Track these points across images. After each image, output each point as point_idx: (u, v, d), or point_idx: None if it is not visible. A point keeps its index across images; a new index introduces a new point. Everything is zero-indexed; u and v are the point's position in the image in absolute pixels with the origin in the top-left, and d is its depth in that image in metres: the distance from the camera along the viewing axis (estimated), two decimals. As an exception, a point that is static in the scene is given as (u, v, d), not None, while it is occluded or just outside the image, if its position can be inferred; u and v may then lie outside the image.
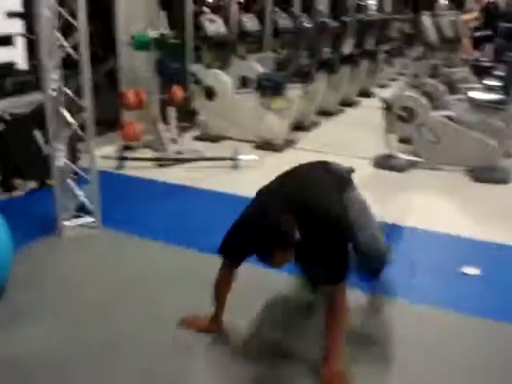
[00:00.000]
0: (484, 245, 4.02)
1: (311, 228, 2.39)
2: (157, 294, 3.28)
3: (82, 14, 3.57)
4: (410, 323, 3.05)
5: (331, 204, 2.50)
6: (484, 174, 5.41)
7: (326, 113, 7.85)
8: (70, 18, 3.61)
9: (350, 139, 6.68)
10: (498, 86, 5.89)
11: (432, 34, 5.96)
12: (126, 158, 5.50)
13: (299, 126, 6.94)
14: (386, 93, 8.00)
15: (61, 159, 3.90)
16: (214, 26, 6.58)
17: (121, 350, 2.79)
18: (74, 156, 4.48)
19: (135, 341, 2.85)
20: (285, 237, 2.31)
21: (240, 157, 5.56)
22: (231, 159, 5.58)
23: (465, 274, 3.53)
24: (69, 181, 4.01)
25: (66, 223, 3.98)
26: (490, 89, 6.06)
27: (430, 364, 2.72)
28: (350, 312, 2.60)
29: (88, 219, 4.08)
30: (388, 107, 5.75)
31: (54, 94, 3.74)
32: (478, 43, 9.45)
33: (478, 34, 9.34)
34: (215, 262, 3.40)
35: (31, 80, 5.31)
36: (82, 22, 3.58)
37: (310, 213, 2.41)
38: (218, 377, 2.65)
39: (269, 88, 6.33)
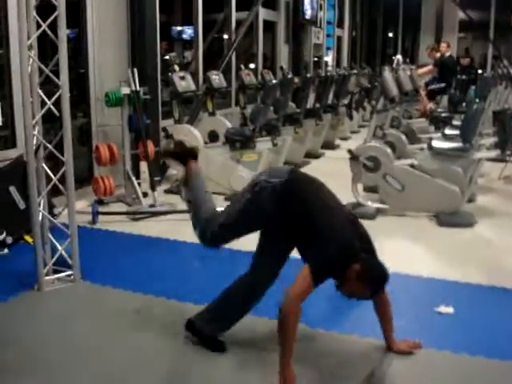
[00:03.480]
0: (454, 285, 4.19)
1: None
2: (138, 345, 3.31)
3: (65, 70, 3.69)
4: (395, 362, 3.17)
5: None
6: (448, 219, 5.63)
7: (293, 165, 8.06)
8: (52, 75, 3.73)
9: (318, 189, 6.85)
10: (456, 135, 6.19)
11: (393, 88, 6.26)
12: (99, 213, 5.55)
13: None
14: (349, 144, 8.30)
15: (40, 214, 3.94)
16: (184, 82, 6.78)
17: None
18: (50, 211, 4.52)
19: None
20: None
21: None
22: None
23: (440, 313, 3.68)
24: (49, 235, 4.05)
25: (45, 278, 3.99)
26: (449, 138, 6.36)
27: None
28: None
29: (67, 273, 4.09)
30: (354, 157, 5.97)
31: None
32: (433, 95, 9.91)
33: (433, 86, 9.79)
34: (196, 310, 3.48)
35: (4, 136, 5.39)
36: (64, 79, 3.70)
37: None
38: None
39: (238, 142, 6.51)
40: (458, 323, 3.58)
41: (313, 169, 8.32)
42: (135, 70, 5.96)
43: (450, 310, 3.69)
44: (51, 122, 5.00)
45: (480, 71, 12.70)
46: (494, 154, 6.21)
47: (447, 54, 10.76)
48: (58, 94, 3.79)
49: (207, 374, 3.03)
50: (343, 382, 3.00)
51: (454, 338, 3.39)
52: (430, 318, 3.64)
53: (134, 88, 5.88)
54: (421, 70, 10.01)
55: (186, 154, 3.34)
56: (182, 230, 5.37)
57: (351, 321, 3.65)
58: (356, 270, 2.76)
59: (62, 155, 3.92)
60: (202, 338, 3.25)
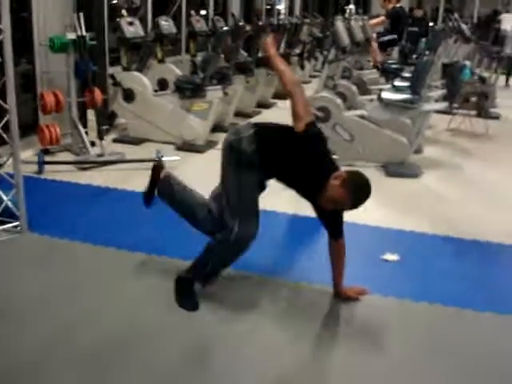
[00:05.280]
0: (400, 233, 4.31)
1: None
2: (88, 293, 3.31)
3: (6, 14, 3.52)
4: (342, 307, 3.28)
5: None
6: (396, 169, 5.74)
7: (243, 114, 8.01)
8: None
9: (269, 139, 6.84)
10: (405, 87, 6.24)
11: (345, 38, 6.24)
12: (45, 162, 5.41)
13: (219, 127, 7.05)
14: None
15: (-17, 163, 3.82)
16: (133, 28, 6.58)
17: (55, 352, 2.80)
18: (-7, 160, 4.39)
19: (72, 337, 2.88)
20: None
21: (163, 158, 5.59)
22: (153, 160, 5.59)
23: (386, 260, 3.79)
24: (-7, 185, 3.94)
25: (-10, 228, 3.90)
26: (398, 89, 6.41)
27: (365, 338, 2.93)
28: None
29: (13, 224, 4.00)
30: (305, 107, 5.96)
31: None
32: (384, 46, 9.91)
33: (385, 38, 9.79)
34: (146, 260, 3.49)
35: None
36: (6, 23, 3.54)
37: None
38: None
39: (188, 90, 6.41)
40: (402, 270, 3.71)
41: (264, 119, 8.28)
42: (81, 15, 5.71)
43: (395, 257, 3.81)
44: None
45: (431, 24, 12.76)
46: (442, 106, 6.31)
47: (398, 5, 10.75)
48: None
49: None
50: (291, 329, 3.07)
51: (399, 285, 3.52)
52: (376, 265, 3.75)
53: (79, 33, 5.66)
54: (373, 21, 9.95)
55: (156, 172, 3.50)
56: (130, 179, 5.32)
57: (299, 268, 3.71)
58: (343, 176, 2.88)
59: (5, 103, 3.78)
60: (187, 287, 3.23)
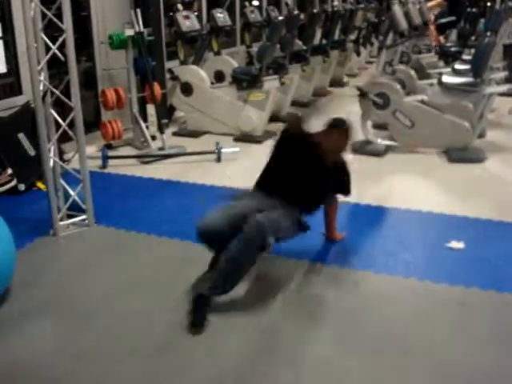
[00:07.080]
0: (465, 220, 4.22)
1: None
2: (156, 284, 3.38)
3: (68, 14, 3.62)
4: (406, 296, 3.23)
5: None
6: (458, 154, 5.61)
7: (300, 103, 7.98)
8: (55, 19, 3.66)
9: (327, 128, 6.79)
10: (466, 70, 6.08)
11: (403, 22, 6.12)
12: (109, 157, 5.55)
13: (276, 118, 7.05)
14: (357, 81, 8.18)
15: (51, 160, 3.95)
16: (189, 22, 6.65)
17: (127, 339, 2.87)
18: (60, 157, 4.53)
19: (141, 329, 2.94)
20: None
21: (222, 150, 5.66)
22: (213, 153, 5.67)
23: (451, 248, 3.72)
24: (61, 181, 4.07)
25: (60, 223, 4.03)
26: (459, 73, 6.26)
27: (427, 327, 2.89)
28: None
29: (81, 218, 4.14)
30: (363, 94, 5.90)
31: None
32: (442, 29, 9.70)
33: (442, 20, 9.58)
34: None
35: (10, 83, 5.33)
36: (68, 23, 3.63)
37: None
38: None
39: (245, 81, 6.43)
40: (469, 258, 3.62)
41: (321, 107, 8.24)
42: (138, 11, 5.83)
43: (460, 245, 3.73)
44: (56, 68, 4.95)
45: (489, 3, 12.39)
46: (504, 88, 6.12)
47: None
48: (62, 38, 3.73)
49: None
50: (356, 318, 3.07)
51: (466, 273, 3.44)
52: (442, 253, 3.68)
53: (137, 29, 5.77)
54: (430, 3, 9.77)
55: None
56: (191, 171, 5.40)
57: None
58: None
59: (69, 100, 3.89)
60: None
